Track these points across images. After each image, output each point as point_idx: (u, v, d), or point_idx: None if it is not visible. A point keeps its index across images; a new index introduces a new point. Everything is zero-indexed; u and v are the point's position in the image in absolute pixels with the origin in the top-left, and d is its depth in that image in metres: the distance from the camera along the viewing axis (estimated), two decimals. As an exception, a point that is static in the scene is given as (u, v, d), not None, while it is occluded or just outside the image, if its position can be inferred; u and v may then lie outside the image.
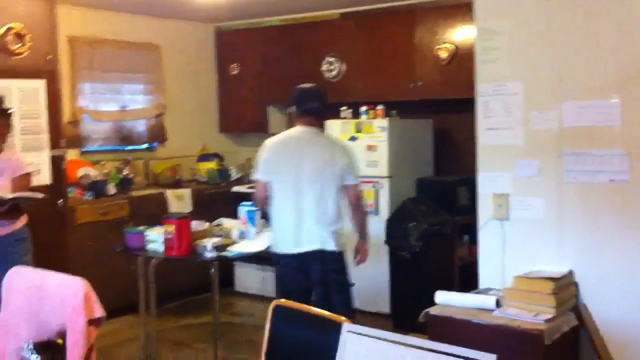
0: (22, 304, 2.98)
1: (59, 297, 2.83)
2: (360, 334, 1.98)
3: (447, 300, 3.35)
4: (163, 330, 5.25)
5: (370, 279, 5.55)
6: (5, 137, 4.25)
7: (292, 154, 3.94)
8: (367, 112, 5.66)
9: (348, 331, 2.02)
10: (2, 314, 3.06)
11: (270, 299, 5.79)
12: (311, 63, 6.28)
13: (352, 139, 5.58)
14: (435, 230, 5.11)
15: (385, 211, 5.48)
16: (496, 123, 3.52)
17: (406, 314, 5.09)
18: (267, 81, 6.73)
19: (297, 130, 4.01)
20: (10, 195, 4.04)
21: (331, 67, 6.17)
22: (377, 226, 5.38)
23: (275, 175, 3.96)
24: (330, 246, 3.88)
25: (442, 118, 5.87)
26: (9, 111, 4.26)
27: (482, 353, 1.79)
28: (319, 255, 3.87)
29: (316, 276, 3.89)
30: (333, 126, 5.73)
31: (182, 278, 5.87)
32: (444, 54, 5.43)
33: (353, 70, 6.06)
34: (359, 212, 4.05)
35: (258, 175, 4.05)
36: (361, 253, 4.11)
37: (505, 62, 3.49)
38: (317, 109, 4.02)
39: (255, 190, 4.18)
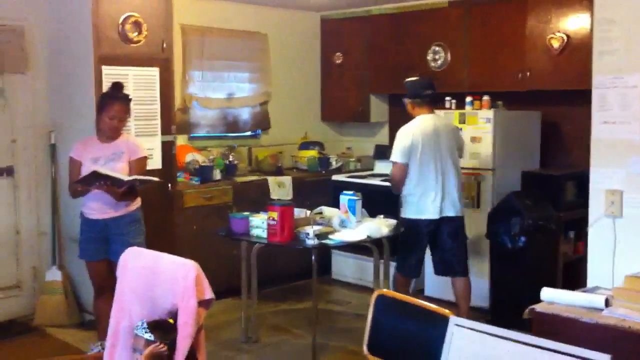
0: (136, 283, 3.11)
1: (172, 278, 2.94)
2: (468, 327, 1.96)
3: (553, 298, 3.25)
4: (262, 314, 5.36)
5: (470, 273, 5.48)
6: (125, 122, 4.45)
7: (430, 137, 4.68)
8: (472, 102, 5.56)
9: (456, 324, 2.01)
10: (117, 292, 3.21)
11: (367, 289, 5.84)
12: (416, 52, 6.22)
13: (456, 130, 5.52)
14: (539, 226, 4.97)
15: (487, 204, 5.38)
16: (612, 116, 3.39)
17: (506, 309, 4.99)
18: (370, 70, 6.73)
19: (426, 117, 4.76)
20: (128, 178, 4.23)
21: (436, 57, 6.09)
22: (478, 220, 5.30)
23: (417, 156, 4.65)
24: (461, 212, 4.82)
25: (550, 110, 5.69)
26: (129, 97, 4.45)
27: (597, 353, 1.74)
28: (455, 219, 4.78)
29: (450, 233, 4.76)
30: (436, 117, 5.67)
31: (281, 264, 5.98)
32: (555, 44, 5.24)
33: (459, 59, 5.95)
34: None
35: (399, 158, 4.70)
36: None
37: (624, 54, 3.34)
38: (434, 96, 4.82)
39: (394, 172, 4.80)
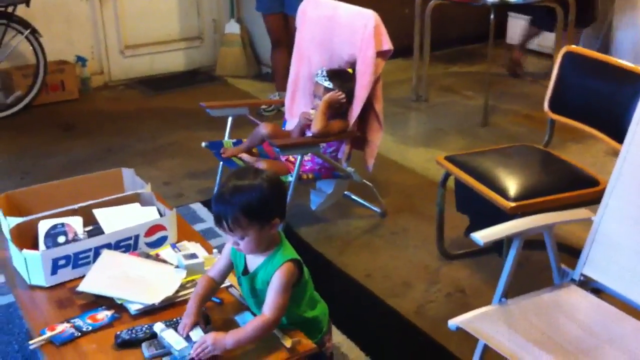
0: (315, 32, 3.14)
1: (351, 28, 2.93)
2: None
3: None
4: (434, 75, 5.31)
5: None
6: None
7: None
8: None
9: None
10: (297, 40, 3.27)
11: (544, 55, 5.56)
12: None
13: None
14: None
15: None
16: None
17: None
18: None
19: None
20: None
21: None
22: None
23: None
24: None
25: None
26: None
27: None
28: None
29: None
30: None
31: (455, 26, 5.80)
32: None
33: None
34: None
35: None
36: None
37: None
38: None
39: None
